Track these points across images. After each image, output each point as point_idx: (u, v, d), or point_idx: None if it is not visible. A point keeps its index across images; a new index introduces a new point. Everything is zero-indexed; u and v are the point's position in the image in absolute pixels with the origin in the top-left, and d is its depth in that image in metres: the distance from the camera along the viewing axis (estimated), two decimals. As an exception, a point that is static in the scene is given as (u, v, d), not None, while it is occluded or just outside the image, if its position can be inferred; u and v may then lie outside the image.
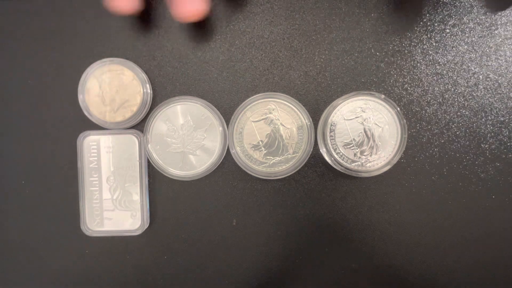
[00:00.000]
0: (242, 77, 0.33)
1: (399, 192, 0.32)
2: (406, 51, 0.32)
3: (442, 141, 0.32)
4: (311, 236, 0.33)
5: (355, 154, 0.31)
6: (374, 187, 0.32)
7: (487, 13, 0.32)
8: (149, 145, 0.32)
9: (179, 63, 0.33)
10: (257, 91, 0.33)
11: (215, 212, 0.33)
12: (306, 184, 0.33)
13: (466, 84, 0.32)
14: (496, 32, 0.32)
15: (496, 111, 0.32)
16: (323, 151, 0.31)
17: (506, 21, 0.32)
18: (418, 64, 0.32)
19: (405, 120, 0.31)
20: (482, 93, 0.32)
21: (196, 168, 0.32)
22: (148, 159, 0.33)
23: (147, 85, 0.32)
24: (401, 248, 0.33)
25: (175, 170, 0.32)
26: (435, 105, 0.32)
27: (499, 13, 0.31)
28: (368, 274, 0.33)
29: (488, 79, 0.32)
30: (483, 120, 0.32)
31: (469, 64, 0.32)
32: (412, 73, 0.32)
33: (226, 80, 0.33)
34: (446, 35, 0.32)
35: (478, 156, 0.32)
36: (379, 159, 0.31)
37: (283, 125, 0.32)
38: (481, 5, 0.31)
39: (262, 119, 0.32)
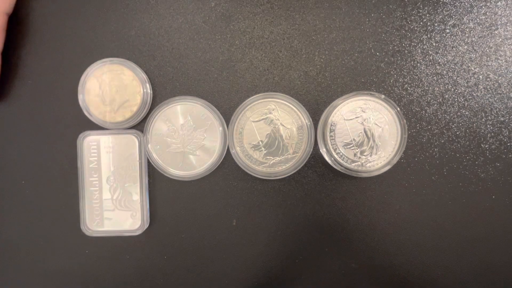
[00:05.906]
0: (242, 77, 0.33)
1: (399, 192, 0.32)
2: (406, 51, 0.32)
3: (442, 141, 0.32)
4: (311, 236, 0.33)
5: (355, 154, 0.31)
6: (374, 187, 0.32)
7: (487, 13, 0.32)
8: (149, 145, 0.32)
9: (179, 63, 0.33)
10: (257, 91, 0.33)
11: (215, 212, 0.33)
12: (306, 184, 0.33)
13: (466, 84, 0.32)
14: (496, 32, 0.32)
15: (496, 111, 0.32)
16: (323, 151, 0.31)
17: (506, 21, 0.32)
18: (418, 64, 0.32)
19: (405, 120, 0.31)
20: (482, 93, 0.32)
21: (196, 168, 0.32)
22: (148, 159, 0.33)
23: (147, 85, 0.32)
24: (401, 248, 0.33)
25: (175, 170, 0.32)
26: (435, 105, 0.32)
27: (499, 13, 0.31)
28: (368, 274, 0.33)
29: (488, 79, 0.32)
30: (483, 120, 0.32)
31: (469, 64, 0.32)
32: (412, 73, 0.32)
33: (226, 80, 0.33)
34: (446, 35, 0.32)
35: (478, 156, 0.32)
36: (379, 159, 0.31)
37: (283, 125, 0.31)
38: (481, 5, 0.31)
39: (262, 119, 0.32)
